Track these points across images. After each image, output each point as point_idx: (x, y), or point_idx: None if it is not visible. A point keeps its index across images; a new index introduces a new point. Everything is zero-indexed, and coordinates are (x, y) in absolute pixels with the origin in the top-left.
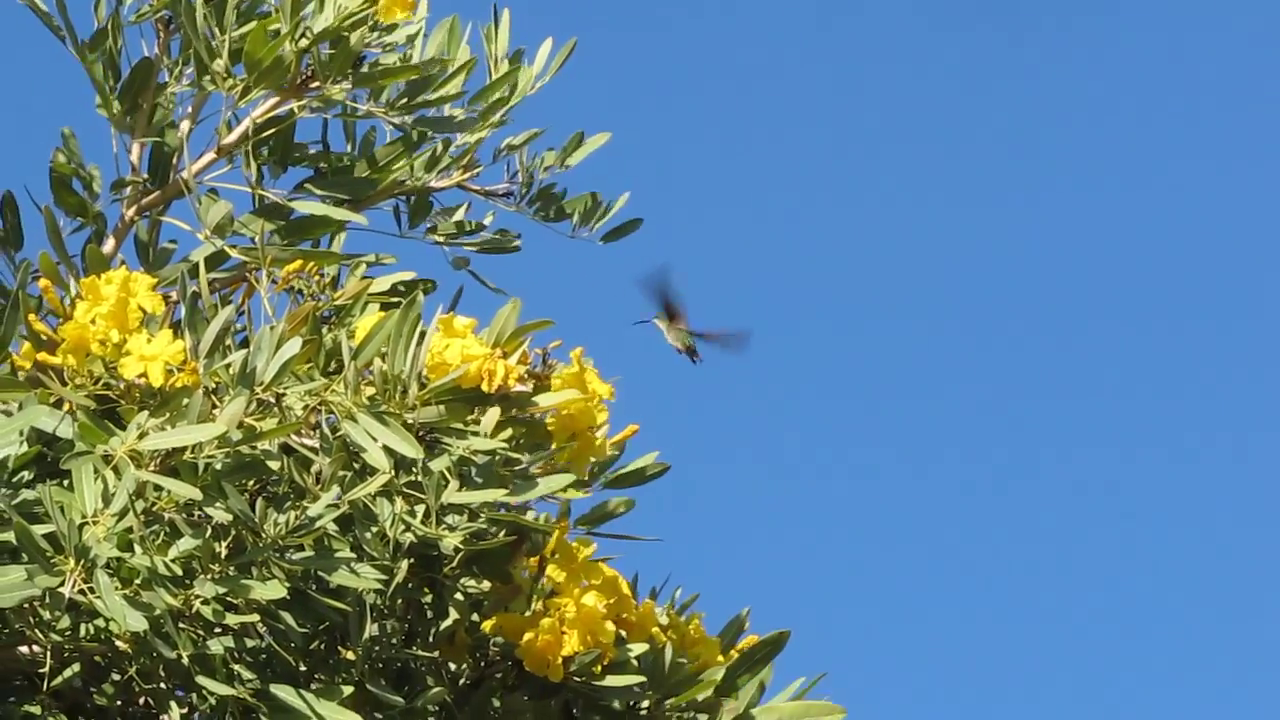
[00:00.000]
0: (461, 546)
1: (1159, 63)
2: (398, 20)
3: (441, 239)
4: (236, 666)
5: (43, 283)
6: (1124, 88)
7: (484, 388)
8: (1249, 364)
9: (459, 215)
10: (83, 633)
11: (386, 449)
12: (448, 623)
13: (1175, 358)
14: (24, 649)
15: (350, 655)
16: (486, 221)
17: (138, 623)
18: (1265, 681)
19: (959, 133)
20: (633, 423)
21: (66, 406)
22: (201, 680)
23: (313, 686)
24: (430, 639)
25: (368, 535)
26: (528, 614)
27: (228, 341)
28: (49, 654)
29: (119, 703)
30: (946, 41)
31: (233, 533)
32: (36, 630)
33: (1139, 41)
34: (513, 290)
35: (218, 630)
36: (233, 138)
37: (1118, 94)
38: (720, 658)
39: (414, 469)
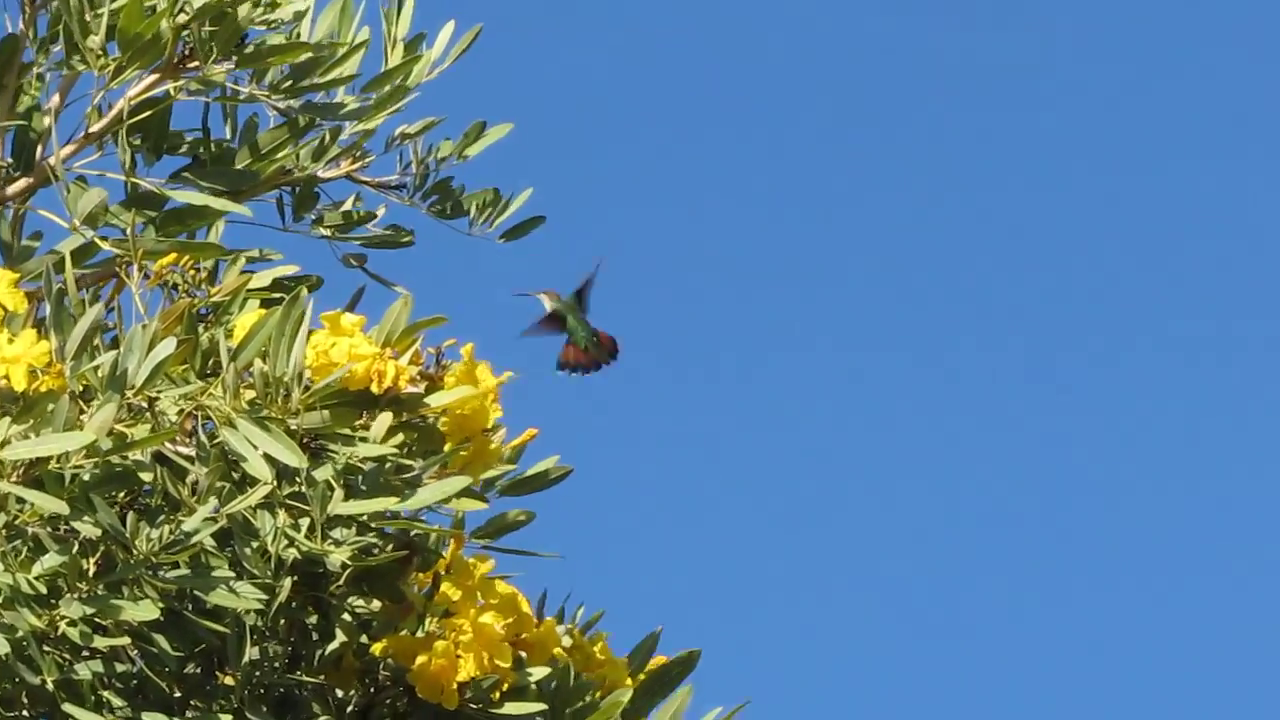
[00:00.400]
0: (349, 562)
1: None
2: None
3: (328, 232)
4: (106, 693)
5: None
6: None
7: (373, 389)
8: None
9: (347, 207)
10: None
11: (268, 457)
12: (334, 645)
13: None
14: None
15: (229, 680)
16: (378, 214)
17: None
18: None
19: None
20: (531, 426)
21: None
22: (68, 708)
23: (188, 714)
24: (315, 663)
25: (248, 551)
26: (420, 635)
27: (96, 342)
28: None
29: None
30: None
31: (102, 549)
32: None
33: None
34: (405, 288)
35: (85, 654)
36: (104, 122)
37: None
38: (628, 680)
39: (298, 479)
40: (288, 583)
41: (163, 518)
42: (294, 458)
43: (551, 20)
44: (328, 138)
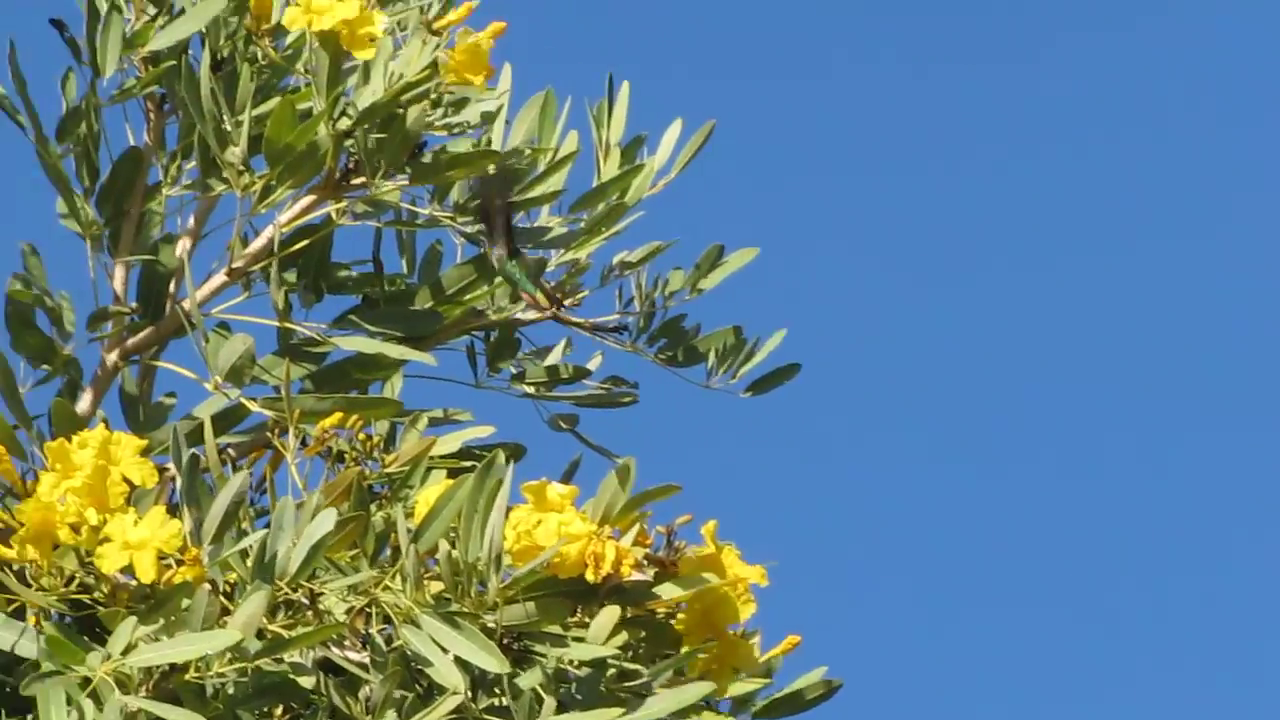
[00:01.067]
0: None
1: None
2: (471, 88)
3: (532, 388)
4: None
5: None
6: None
7: (589, 577)
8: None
9: (555, 357)
10: None
11: (459, 661)
12: None
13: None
14: None
15: None
16: (592, 365)
17: None
18: None
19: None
20: (793, 633)
21: (30, 617)
22: None
23: None
24: None
25: None
26: None
27: (243, 522)
28: None
29: None
30: None
31: None
32: None
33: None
34: (626, 449)
35: None
36: (251, 253)
37: None
38: None
39: (497, 688)
40: None
41: None
42: (492, 662)
43: (799, 115)
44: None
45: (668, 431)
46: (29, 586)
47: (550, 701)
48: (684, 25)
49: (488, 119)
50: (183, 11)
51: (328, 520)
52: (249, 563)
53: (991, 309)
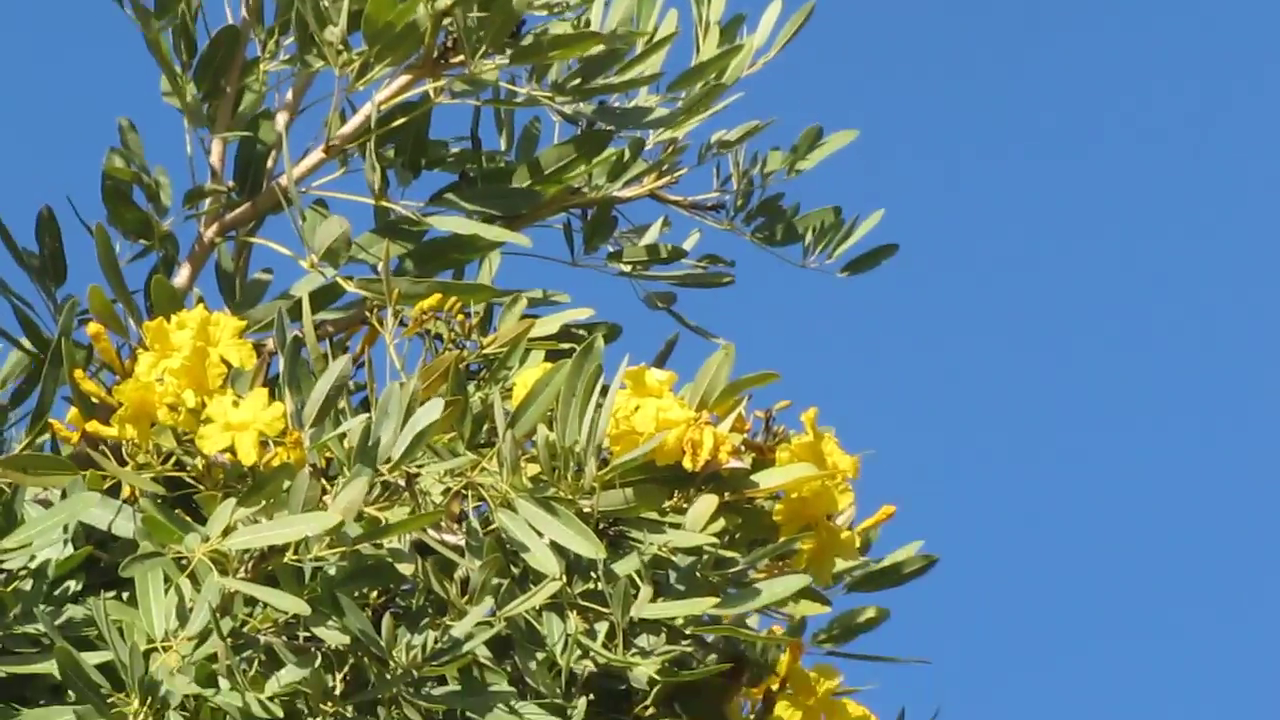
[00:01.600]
0: (658, 677)
1: None
2: None
3: (628, 267)
4: None
5: (93, 328)
6: None
7: (687, 464)
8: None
9: (652, 236)
10: None
11: (556, 547)
12: None
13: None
14: None
15: None
16: (689, 245)
17: None
18: None
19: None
20: (887, 503)
21: (126, 493)
22: None
23: None
24: None
25: (532, 664)
26: None
27: (342, 405)
28: None
29: None
30: None
31: (351, 660)
32: None
33: None
34: (723, 328)
35: None
36: (348, 131)
37: None
38: None
39: (594, 574)
40: (582, 703)
41: (426, 622)
42: (589, 547)
43: None
44: (627, 150)
45: (764, 311)
46: (126, 466)
47: (646, 589)
48: None
49: (587, 0)
50: None
51: (434, 409)
52: (349, 446)
53: (1099, 194)
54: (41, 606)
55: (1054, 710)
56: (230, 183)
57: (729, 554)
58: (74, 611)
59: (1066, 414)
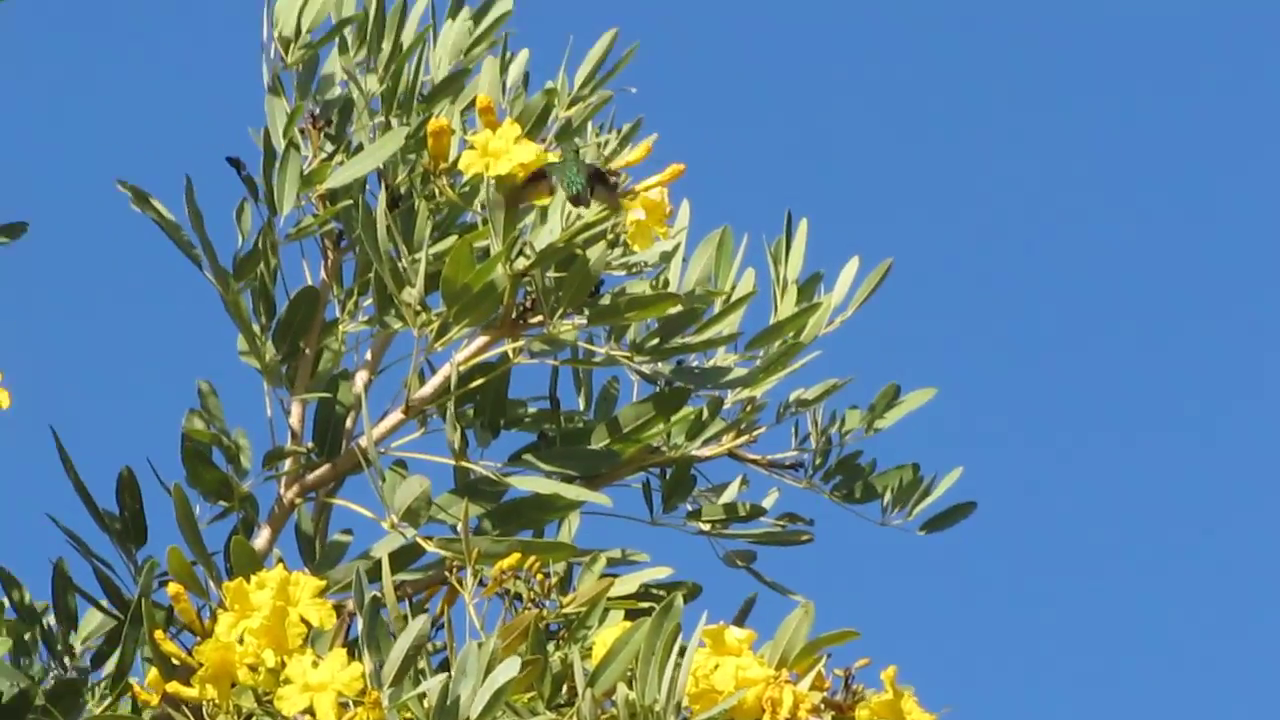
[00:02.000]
0: None
1: None
2: (651, 240)
3: (707, 526)
4: None
5: (173, 588)
6: None
7: None
8: None
9: (731, 494)
10: None
11: None
12: None
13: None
14: None
15: None
16: (768, 503)
17: None
18: None
19: None
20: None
21: None
22: None
23: None
24: None
25: None
26: None
27: (422, 664)
28: None
29: None
30: None
31: None
32: None
33: None
34: (802, 586)
35: None
36: (427, 391)
37: None
38: None
39: None
40: None
41: None
42: None
43: (976, 253)
44: (706, 409)
45: (843, 568)
46: None
47: None
48: (862, 161)
49: (665, 258)
50: (360, 149)
51: (511, 668)
52: (427, 705)
53: (1166, 463)
54: None
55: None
56: (309, 444)
57: None
58: None
59: (1150, 655)
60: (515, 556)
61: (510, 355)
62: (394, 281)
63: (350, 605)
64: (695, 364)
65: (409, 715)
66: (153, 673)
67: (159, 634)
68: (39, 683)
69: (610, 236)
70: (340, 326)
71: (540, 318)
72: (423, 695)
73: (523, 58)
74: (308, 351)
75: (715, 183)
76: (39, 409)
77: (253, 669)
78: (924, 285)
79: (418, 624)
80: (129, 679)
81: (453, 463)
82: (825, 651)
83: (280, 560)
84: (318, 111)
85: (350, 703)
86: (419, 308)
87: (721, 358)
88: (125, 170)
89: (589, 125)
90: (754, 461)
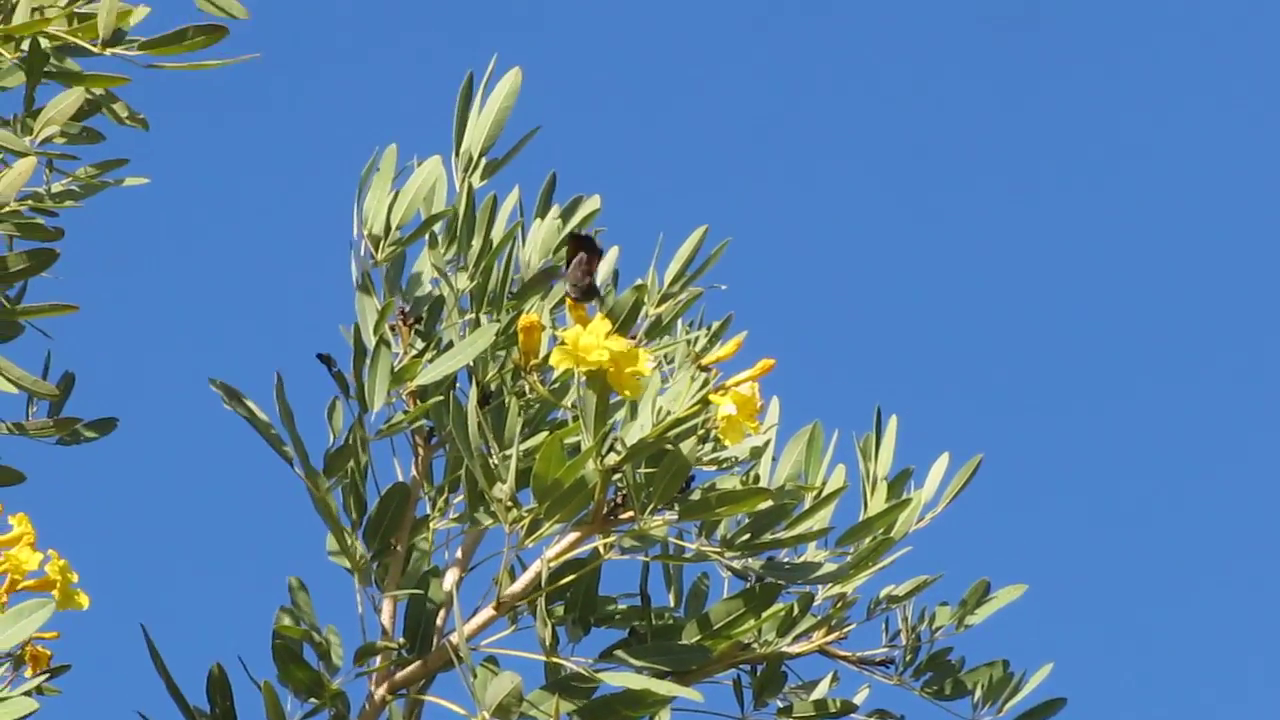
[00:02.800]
0: None
1: None
2: (742, 435)
3: None
4: None
5: None
6: None
7: None
8: None
9: (821, 691)
10: None
11: None
12: None
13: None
14: None
15: None
16: (859, 700)
17: None
18: None
19: None
20: None
21: None
22: None
23: None
24: None
25: None
26: None
27: None
28: None
29: None
30: None
31: None
32: None
33: None
34: None
35: None
36: (518, 588)
37: None
38: None
39: None
40: None
41: None
42: None
43: (1062, 446)
44: (796, 605)
45: None
46: None
47: None
48: (953, 357)
49: (755, 454)
50: (450, 346)
51: None
52: None
53: (1248, 650)
54: None
55: None
56: (400, 640)
57: None
58: None
59: None
60: None
61: (601, 551)
62: (485, 478)
63: None
64: (786, 560)
65: None
66: None
67: None
68: None
69: (701, 432)
70: (431, 523)
71: (631, 513)
72: None
73: (612, 254)
74: (398, 548)
75: (805, 377)
76: (131, 605)
77: None
78: (1014, 479)
79: None
80: None
81: (544, 659)
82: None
83: None
84: (408, 308)
85: None
86: (510, 504)
87: (812, 553)
88: (217, 367)
89: (679, 321)
90: (844, 658)
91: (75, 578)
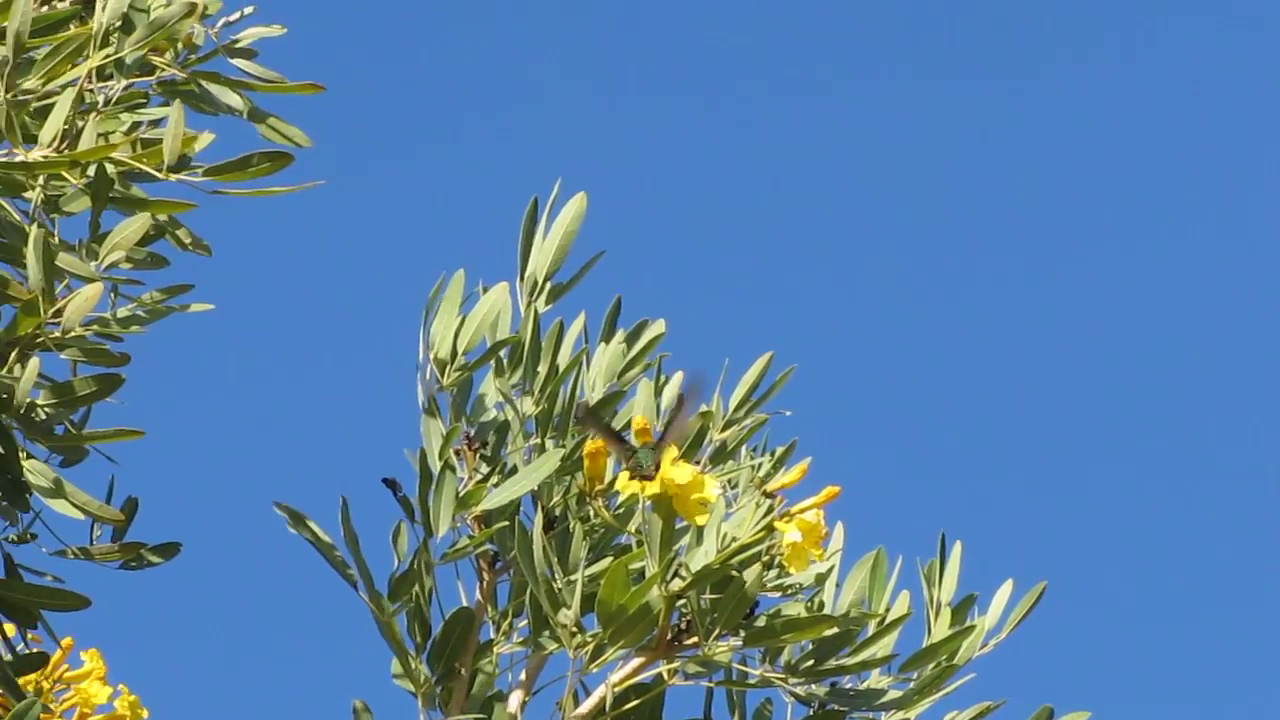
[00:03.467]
0: None
1: None
2: (807, 563)
3: None
4: None
5: None
6: None
7: None
8: None
9: None
10: None
11: None
12: None
13: None
14: None
15: None
16: None
17: None
18: None
19: None
20: None
21: None
22: None
23: None
24: None
25: None
26: None
27: None
28: None
29: None
30: None
31: None
32: None
33: None
34: None
35: None
36: (582, 712)
37: None
38: None
39: None
40: None
41: None
42: None
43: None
44: None
45: None
46: None
47: None
48: (1020, 482)
49: (820, 579)
50: (515, 470)
51: None
52: None
53: None
54: None
55: None
56: None
57: None
58: None
59: None
60: None
61: (665, 677)
62: (550, 603)
63: None
64: (849, 686)
65: None
66: None
67: None
68: None
69: (766, 559)
70: (495, 648)
71: (695, 639)
72: None
73: (677, 379)
74: (462, 672)
75: (870, 502)
76: None
77: None
78: (1080, 603)
79: None
80: None
81: None
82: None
83: None
84: (473, 433)
85: None
86: (574, 629)
87: (875, 679)
88: (282, 491)
89: (743, 447)
90: None
91: (145, 714)
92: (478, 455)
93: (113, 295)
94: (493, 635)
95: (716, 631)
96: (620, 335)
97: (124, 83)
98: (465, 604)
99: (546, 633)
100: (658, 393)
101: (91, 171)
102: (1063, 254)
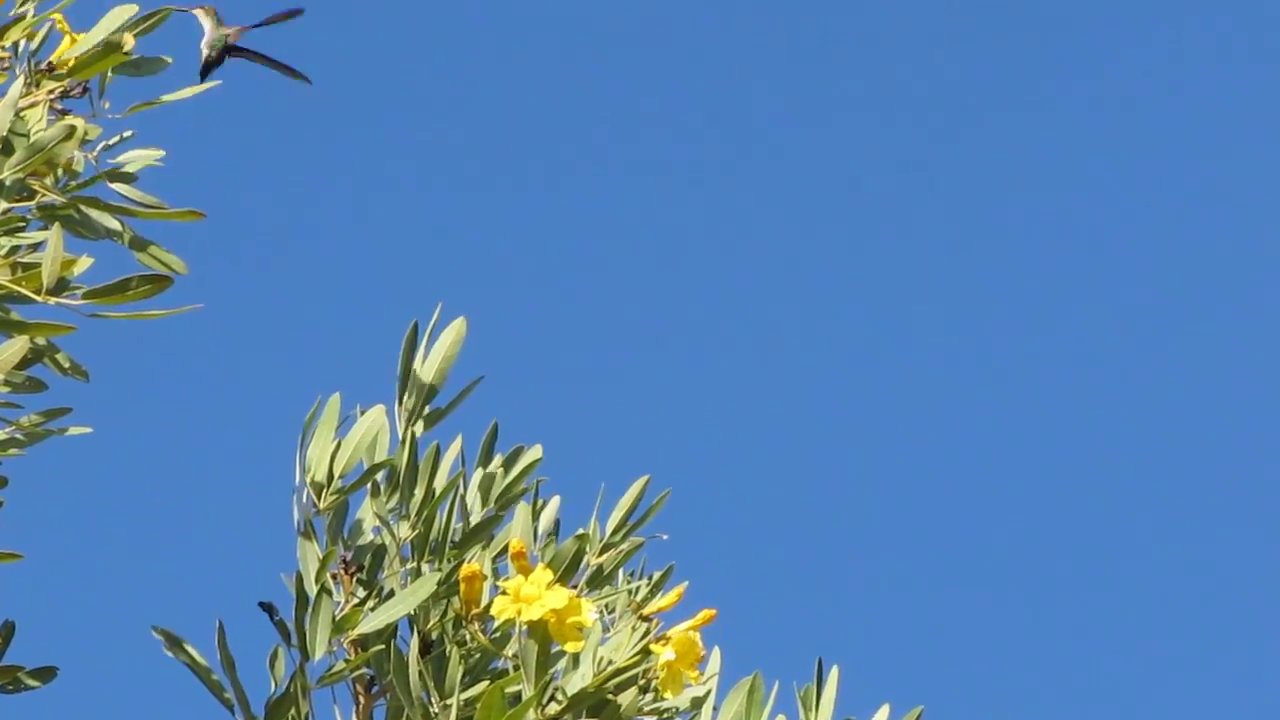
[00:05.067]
0: None
1: None
2: (683, 686)
3: None
4: None
5: None
6: None
7: None
8: None
9: None
10: None
11: None
12: None
13: None
14: None
15: None
16: None
17: None
18: None
19: None
20: None
21: None
22: None
23: None
24: None
25: None
26: None
27: None
28: None
29: None
30: None
31: None
32: None
33: None
34: None
35: None
36: None
37: None
38: None
39: None
40: None
41: None
42: None
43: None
44: None
45: None
46: None
47: None
48: (898, 604)
49: (697, 704)
50: (392, 594)
51: None
52: None
53: None
54: None
55: None
56: None
57: None
58: None
59: None
60: None
61: None
62: None
63: None
64: None
65: None
66: None
67: None
68: None
69: (642, 682)
70: None
71: None
72: None
73: (554, 504)
74: None
75: (747, 627)
76: None
77: None
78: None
79: None
80: None
81: None
82: None
83: None
84: (349, 557)
85: None
86: None
87: None
88: (159, 614)
89: (620, 571)
90: None
91: None
92: (354, 579)
93: None
94: None
95: None
96: (498, 460)
97: (3, 206)
98: None
99: None
100: (535, 516)
101: None
102: (914, 385)
